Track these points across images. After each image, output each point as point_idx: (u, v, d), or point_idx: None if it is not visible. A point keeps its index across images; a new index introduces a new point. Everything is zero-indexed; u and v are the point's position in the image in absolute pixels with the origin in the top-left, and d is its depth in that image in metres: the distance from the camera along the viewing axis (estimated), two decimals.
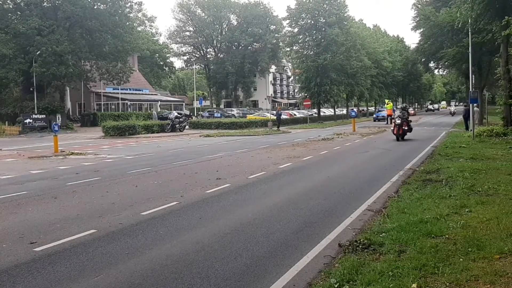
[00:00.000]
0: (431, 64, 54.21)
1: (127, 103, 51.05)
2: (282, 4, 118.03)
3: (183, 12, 75.43)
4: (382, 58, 59.77)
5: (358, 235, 6.00)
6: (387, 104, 45.46)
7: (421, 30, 41.24)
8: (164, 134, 31.09)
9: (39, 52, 35.57)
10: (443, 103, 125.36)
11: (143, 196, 8.98)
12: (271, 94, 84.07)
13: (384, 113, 44.47)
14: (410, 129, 21.96)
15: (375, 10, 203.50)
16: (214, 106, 74.57)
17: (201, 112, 58.55)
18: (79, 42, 38.15)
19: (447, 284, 4.24)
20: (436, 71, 71.15)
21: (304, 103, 46.08)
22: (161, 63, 72.74)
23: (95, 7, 39.86)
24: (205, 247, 5.71)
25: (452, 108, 67.38)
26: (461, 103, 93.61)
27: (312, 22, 48.06)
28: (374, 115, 50.87)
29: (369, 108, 73.17)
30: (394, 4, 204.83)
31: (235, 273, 4.81)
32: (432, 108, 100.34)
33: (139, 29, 59.87)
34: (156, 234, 6.34)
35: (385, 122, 41.52)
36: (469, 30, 23.76)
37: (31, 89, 37.79)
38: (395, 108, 49.66)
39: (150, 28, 71.43)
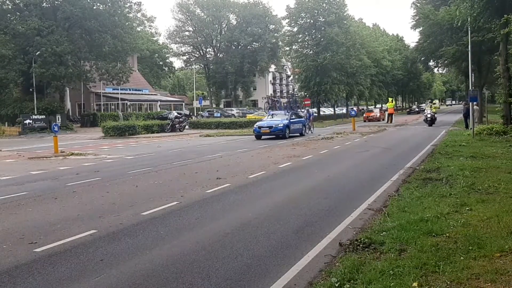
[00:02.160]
0: (431, 63, 54.26)
1: (126, 103, 51.04)
2: (282, 3, 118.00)
3: (182, 12, 75.38)
4: (381, 57, 59.81)
5: (359, 234, 5.99)
6: (390, 102, 45.49)
7: (421, 28, 41.30)
8: (164, 134, 31.08)
9: (38, 52, 35.56)
10: (436, 102, 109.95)
11: (143, 196, 8.98)
12: (271, 94, 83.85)
13: (275, 121, 24.84)
14: None
15: (374, 9, 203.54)
16: (214, 106, 74.54)
17: (201, 112, 58.50)
18: (78, 43, 38.14)
19: (448, 282, 4.24)
20: (435, 70, 71.02)
21: (304, 102, 46.10)
22: (161, 63, 72.69)
23: (95, 7, 39.83)
24: (206, 247, 5.71)
25: (429, 111, 34.46)
26: (461, 102, 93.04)
27: (312, 21, 48.08)
28: (255, 127, 25.14)
29: (369, 107, 73.18)
30: (393, 3, 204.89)
31: (236, 273, 4.81)
32: (417, 109, 72.68)
33: (138, 29, 59.77)
34: (157, 234, 6.34)
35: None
36: (469, 28, 23.79)
37: (30, 89, 37.79)
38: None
39: (150, 28, 71.29)
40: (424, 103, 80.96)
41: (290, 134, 24.79)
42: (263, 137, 24.20)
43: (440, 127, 30.35)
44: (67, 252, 5.57)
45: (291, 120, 25.36)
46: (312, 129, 29.96)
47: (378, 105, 75.28)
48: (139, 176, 11.74)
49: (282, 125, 24.36)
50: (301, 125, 26.75)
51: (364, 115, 48.17)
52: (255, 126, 25.12)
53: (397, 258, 4.93)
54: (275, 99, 34.70)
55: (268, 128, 24.39)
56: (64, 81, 39.21)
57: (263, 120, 27.03)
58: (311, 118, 30.77)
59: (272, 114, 27.02)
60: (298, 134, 26.08)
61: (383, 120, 44.28)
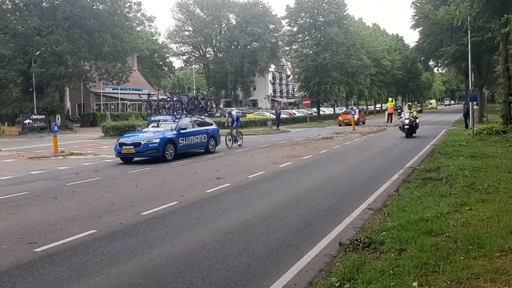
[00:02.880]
0: (431, 63, 54.19)
1: (126, 103, 51.03)
2: (281, 3, 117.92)
3: (182, 11, 75.42)
4: (381, 57, 59.81)
5: (359, 233, 6.00)
6: (390, 102, 45.46)
7: (420, 28, 41.27)
8: None
9: (38, 52, 35.58)
10: (433, 101, 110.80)
11: (143, 196, 8.98)
12: (271, 94, 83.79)
13: (152, 134, 15.28)
14: None
15: (374, 9, 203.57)
16: (214, 105, 74.40)
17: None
18: (78, 42, 38.15)
19: (448, 282, 4.24)
20: (435, 70, 70.97)
21: (303, 102, 46.10)
22: (161, 63, 72.65)
23: (94, 7, 39.89)
24: (206, 246, 5.71)
25: (407, 116, 22.73)
26: (460, 101, 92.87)
27: (311, 21, 48.10)
28: (116, 144, 15.64)
29: (368, 107, 73.19)
30: (393, 3, 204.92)
31: (236, 273, 4.81)
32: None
33: (138, 29, 59.79)
34: (157, 234, 6.33)
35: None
36: (468, 28, 23.78)
37: (30, 89, 37.79)
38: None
39: (149, 28, 71.27)
40: (406, 104, 58.07)
41: (179, 152, 15.63)
42: (135, 158, 15.22)
43: (440, 127, 30.34)
44: (67, 252, 5.57)
45: (181, 132, 15.94)
46: (238, 140, 20.64)
47: (378, 105, 75.30)
48: (139, 176, 11.75)
49: (158, 140, 14.86)
50: (205, 137, 17.29)
51: (340, 118, 39.52)
52: (116, 142, 15.67)
53: (397, 257, 4.93)
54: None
55: (132, 147, 14.78)
56: (63, 81, 39.22)
57: (136, 132, 17.66)
58: (234, 124, 20.60)
59: (158, 121, 16.79)
60: (203, 150, 17.30)
61: (362, 123, 39.09)
